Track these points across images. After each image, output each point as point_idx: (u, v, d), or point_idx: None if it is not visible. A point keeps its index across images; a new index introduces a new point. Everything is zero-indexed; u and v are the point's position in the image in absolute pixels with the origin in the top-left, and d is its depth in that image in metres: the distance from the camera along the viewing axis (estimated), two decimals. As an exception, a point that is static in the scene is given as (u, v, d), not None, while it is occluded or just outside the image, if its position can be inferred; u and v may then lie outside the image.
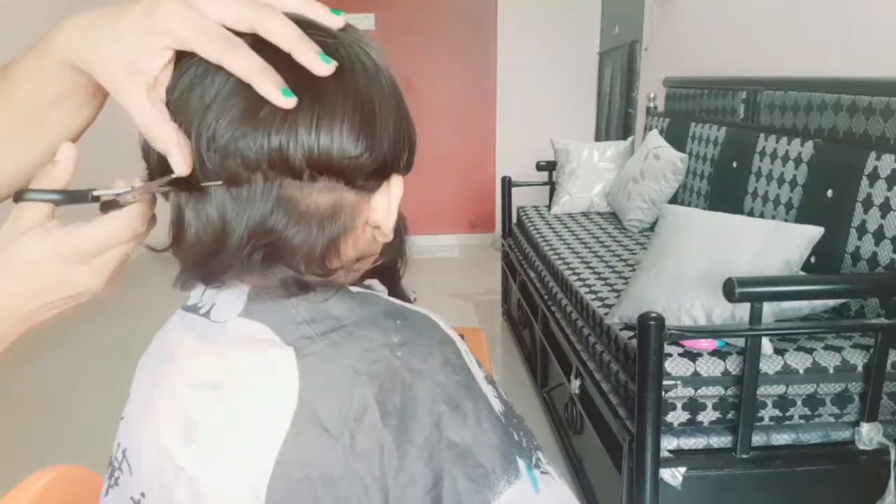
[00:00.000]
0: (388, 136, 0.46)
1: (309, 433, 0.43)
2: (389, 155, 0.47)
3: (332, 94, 0.43)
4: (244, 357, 0.46)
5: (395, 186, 0.50)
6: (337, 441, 0.42)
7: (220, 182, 0.43)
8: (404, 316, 0.49)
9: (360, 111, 0.44)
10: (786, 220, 1.90)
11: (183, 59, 0.43)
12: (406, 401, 0.43)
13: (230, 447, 0.44)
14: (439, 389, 0.45)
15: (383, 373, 0.44)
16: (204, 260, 0.46)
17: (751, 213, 2.13)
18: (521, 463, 0.45)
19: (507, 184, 3.23)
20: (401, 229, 0.97)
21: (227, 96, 0.42)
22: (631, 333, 1.58)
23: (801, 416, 1.46)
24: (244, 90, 0.41)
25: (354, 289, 0.51)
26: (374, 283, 0.56)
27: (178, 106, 0.42)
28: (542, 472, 0.46)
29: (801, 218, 1.85)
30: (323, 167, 0.44)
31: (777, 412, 1.46)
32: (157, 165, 0.44)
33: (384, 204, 0.49)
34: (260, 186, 0.44)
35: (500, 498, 0.43)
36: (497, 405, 0.48)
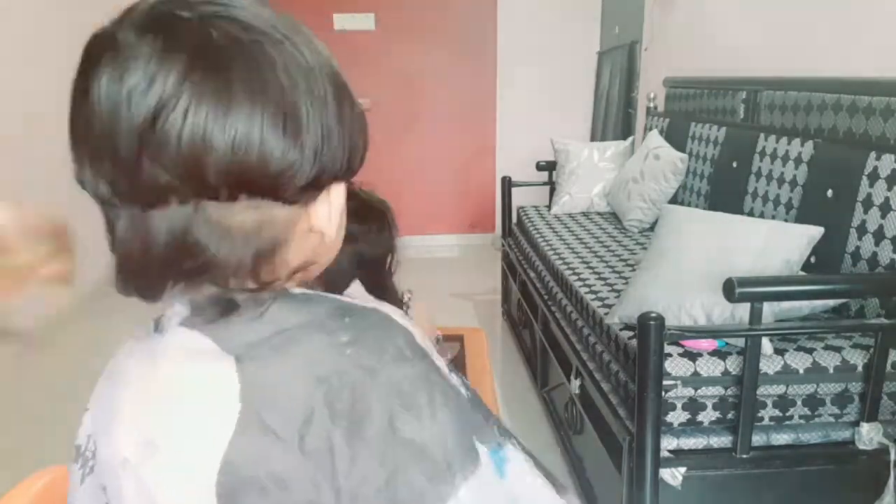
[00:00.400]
0: (319, 144, 0.43)
1: (255, 434, 0.42)
2: (325, 164, 0.44)
3: (244, 101, 0.40)
4: (183, 369, 0.45)
5: (335, 195, 0.47)
6: (286, 442, 0.41)
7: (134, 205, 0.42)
8: (352, 312, 0.47)
9: (281, 118, 0.41)
10: (786, 220, 1.90)
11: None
12: (356, 399, 0.42)
13: (180, 453, 0.43)
14: (392, 386, 0.43)
15: (331, 373, 0.43)
16: (133, 273, 0.44)
17: (751, 213, 2.13)
18: (482, 448, 0.44)
19: (507, 184, 3.23)
20: (389, 224, 0.97)
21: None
22: (631, 333, 1.58)
23: (801, 416, 1.46)
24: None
25: (297, 290, 0.49)
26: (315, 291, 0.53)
27: (83, 129, 0.42)
28: (509, 455, 0.45)
29: (801, 218, 1.85)
30: (242, 185, 0.41)
31: (777, 412, 1.46)
32: (88, 187, 0.44)
33: (325, 212, 0.47)
34: (175, 208, 0.41)
35: (458, 493, 0.42)
36: (463, 392, 0.47)
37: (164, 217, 0.42)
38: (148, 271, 0.44)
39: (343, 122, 0.45)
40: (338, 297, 0.50)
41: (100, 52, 0.41)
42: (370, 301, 0.51)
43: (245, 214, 0.43)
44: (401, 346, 0.45)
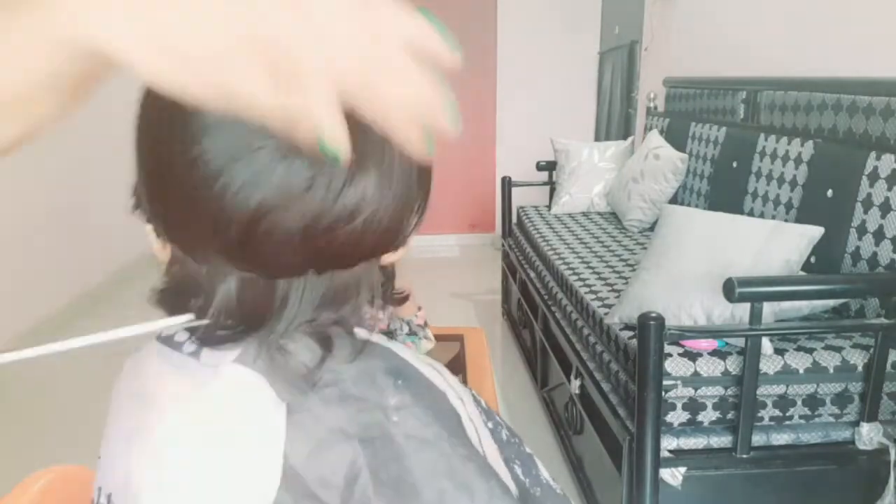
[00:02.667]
0: (418, 203, 0.44)
1: (298, 497, 0.39)
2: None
3: (393, 182, 0.39)
4: (235, 411, 0.41)
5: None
6: (336, 499, 0.39)
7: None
8: (407, 376, 0.44)
9: (403, 184, 0.41)
10: (786, 220, 1.90)
11: None
12: (403, 471, 0.39)
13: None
14: (442, 461, 0.40)
15: (377, 437, 0.40)
16: (235, 328, 0.41)
17: (751, 213, 2.13)
18: None
19: (507, 184, 3.23)
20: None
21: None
22: (631, 333, 1.58)
23: (801, 416, 1.46)
24: None
25: (360, 334, 0.46)
26: (375, 334, 0.50)
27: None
28: None
29: (801, 218, 1.85)
30: (377, 253, 0.42)
31: (777, 412, 1.46)
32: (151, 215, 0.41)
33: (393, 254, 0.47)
34: (312, 279, 0.41)
35: None
36: (512, 487, 0.44)
37: (297, 284, 0.41)
38: (250, 325, 0.41)
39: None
40: (394, 350, 0.47)
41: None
42: (424, 365, 0.48)
43: (354, 272, 0.42)
44: (452, 426, 0.43)
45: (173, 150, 0.36)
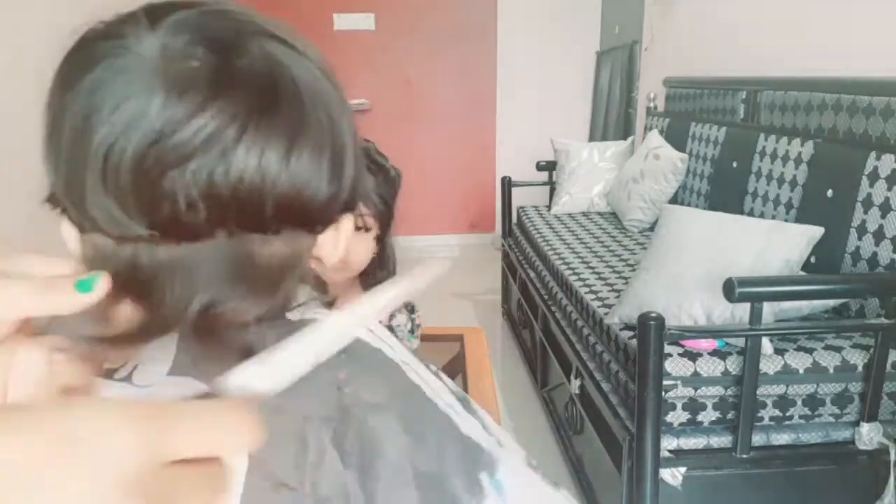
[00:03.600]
0: (353, 176, 0.42)
1: (266, 490, 0.39)
2: (354, 195, 0.43)
3: (310, 138, 0.38)
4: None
5: (344, 225, 0.45)
6: (298, 493, 0.39)
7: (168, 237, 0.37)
8: (350, 349, 0.44)
9: (332, 155, 0.39)
10: (786, 220, 1.90)
11: None
12: (364, 438, 0.40)
13: None
14: (398, 419, 0.41)
15: (335, 414, 0.40)
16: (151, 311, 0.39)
17: (751, 213, 2.13)
18: (484, 476, 0.43)
19: (507, 184, 3.23)
20: (394, 179, 0.95)
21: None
22: (631, 333, 1.58)
23: (801, 416, 1.46)
24: None
25: (294, 316, 0.45)
26: (308, 310, 0.48)
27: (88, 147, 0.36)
28: (505, 479, 0.44)
29: (801, 218, 1.85)
30: (293, 218, 0.39)
31: (777, 412, 1.46)
32: (94, 208, 0.38)
33: (331, 241, 0.44)
34: (222, 242, 0.38)
35: None
36: (453, 402, 0.45)
37: (203, 249, 0.38)
38: (154, 317, 0.39)
39: (357, 151, 0.44)
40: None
41: (119, 56, 0.36)
42: (375, 339, 0.48)
43: (280, 247, 0.40)
44: (393, 379, 0.44)
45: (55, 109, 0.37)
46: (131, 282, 0.38)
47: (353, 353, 0.44)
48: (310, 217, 0.41)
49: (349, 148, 0.42)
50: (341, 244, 0.46)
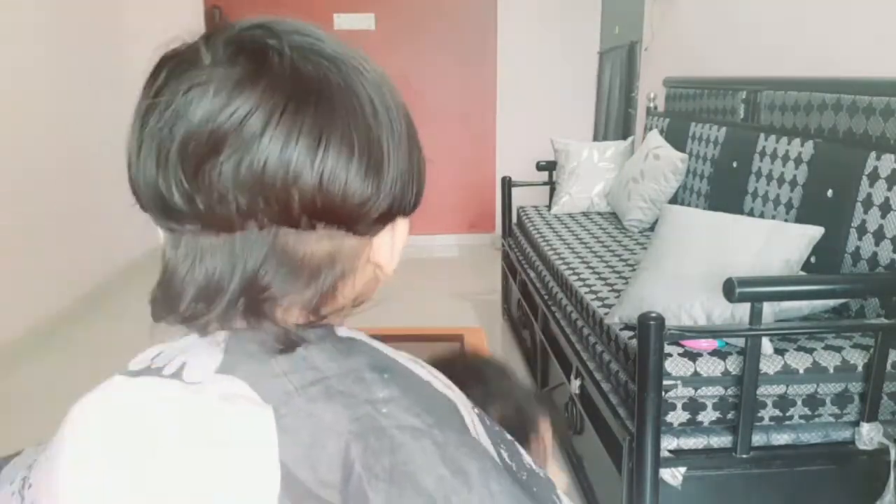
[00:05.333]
0: (396, 179, 0.44)
1: (299, 499, 0.39)
2: (397, 200, 0.45)
3: (338, 134, 0.41)
4: (222, 419, 0.40)
5: (400, 229, 0.47)
6: (336, 496, 0.39)
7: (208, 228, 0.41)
8: (391, 369, 0.44)
9: (367, 155, 0.42)
10: (786, 220, 1.90)
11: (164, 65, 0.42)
12: (396, 462, 0.39)
13: None
14: (436, 448, 0.40)
15: (368, 431, 0.40)
16: (185, 307, 0.42)
17: (751, 213, 2.13)
18: None
19: (507, 184, 3.23)
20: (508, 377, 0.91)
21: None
22: (631, 333, 1.58)
23: (801, 416, 1.46)
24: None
25: (342, 333, 0.46)
26: (359, 333, 0.49)
27: (162, 135, 0.40)
28: None
29: (801, 218, 1.85)
30: (323, 215, 0.42)
31: (777, 412, 1.46)
32: (150, 201, 0.42)
33: (387, 245, 0.47)
34: (254, 235, 0.41)
35: None
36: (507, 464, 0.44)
37: (241, 244, 0.41)
38: (204, 305, 0.42)
39: (412, 160, 0.46)
40: (376, 346, 0.47)
41: (183, 69, 0.41)
42: (407, 360, 0.47)
43: (319, 244, 0.43)
44: (442, 413, 0.43)
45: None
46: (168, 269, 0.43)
47: (396, 375, 0.44)
48: (343, 215, 0.42)
49: (389, 152, 0.43)
50: (396, 250, 0.47)
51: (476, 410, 0.47)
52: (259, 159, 0.39)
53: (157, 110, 0.40)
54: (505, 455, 0.44)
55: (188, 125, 0.39)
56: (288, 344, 0.42)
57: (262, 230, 0.41)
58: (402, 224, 0.47)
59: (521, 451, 0.47)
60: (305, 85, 0.41)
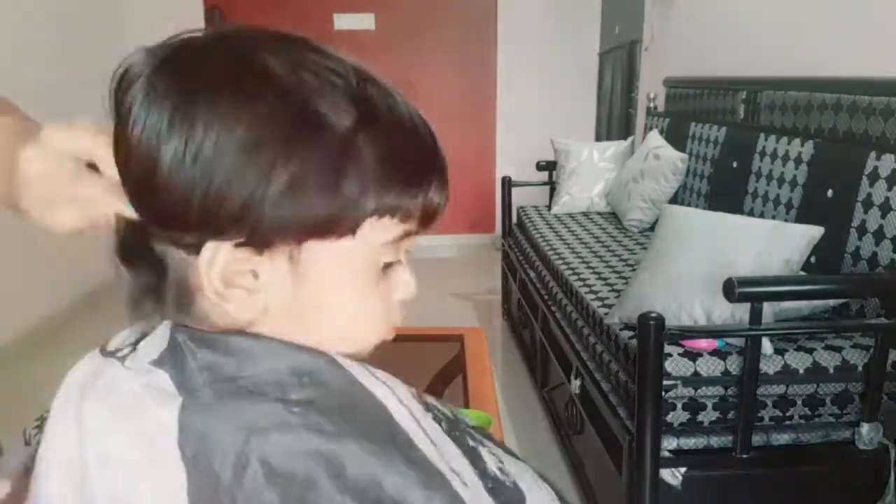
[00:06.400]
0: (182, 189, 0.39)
1: (205, 488, 0.38)
2: (196, 210, 0.40)
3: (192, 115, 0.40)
4: (137, 409, 0.41)
5: (205, 253, 0.41)
6: (226, 494, 0.38)
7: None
8: (316, 373, 0.42)
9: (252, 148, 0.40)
10: (786, 220, 1.90)
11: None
12: (297, 464, 0.38)
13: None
14: (342, 458, 0.38)
15: (273, 427, 0.38)
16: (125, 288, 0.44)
17: (751, 213, 2.13)
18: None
19: (507, 184, 3.23)
20: None
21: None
22: (631, 333, 1.58)
23: (801, 416, 1.46)
24: None
25: (270, 335, 0.43)
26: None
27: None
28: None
29: (801, 218, 1.85)
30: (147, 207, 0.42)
31: (777, 412, 1.46)
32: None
33: (204, 268, 0.42)
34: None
35: None
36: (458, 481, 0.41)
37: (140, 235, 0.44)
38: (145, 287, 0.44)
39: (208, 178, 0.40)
40: (321, 352, 0.44)
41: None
42: (352, 364, 0.44)
43: (155, 243, 0.43)
44: (366, 421, 0.41)
45: None
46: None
47: (315, 376, 0.42)
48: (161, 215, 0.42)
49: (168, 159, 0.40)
50: (215, 276, 0.42)
51: (430, 413, 0.45)
52: (136, 128, 0.41)
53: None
54: (466, 462, 0.43)
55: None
56: (209, 341, 0.43)
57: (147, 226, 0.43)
58: (209, 247, 0.41)
59: (484, 456, 0.44)
60: (186, 62, 0.41)
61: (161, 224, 0.41)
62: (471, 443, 0.45)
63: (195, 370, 0.42)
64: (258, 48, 0.41)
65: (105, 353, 0.46)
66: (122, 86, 0.42)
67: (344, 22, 4.38)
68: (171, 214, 0.40)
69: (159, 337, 0.44)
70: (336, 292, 0.44)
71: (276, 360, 0.42)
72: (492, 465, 0.44)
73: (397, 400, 0.43)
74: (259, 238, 0.40)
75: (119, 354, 0.45)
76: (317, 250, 0.42)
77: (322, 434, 0.39)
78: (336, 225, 0.41)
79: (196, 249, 0.41)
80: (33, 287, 3.01)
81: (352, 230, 0.42)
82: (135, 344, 0.45)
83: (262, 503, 0.37)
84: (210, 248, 0.40)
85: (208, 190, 0.39)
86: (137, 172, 0.41)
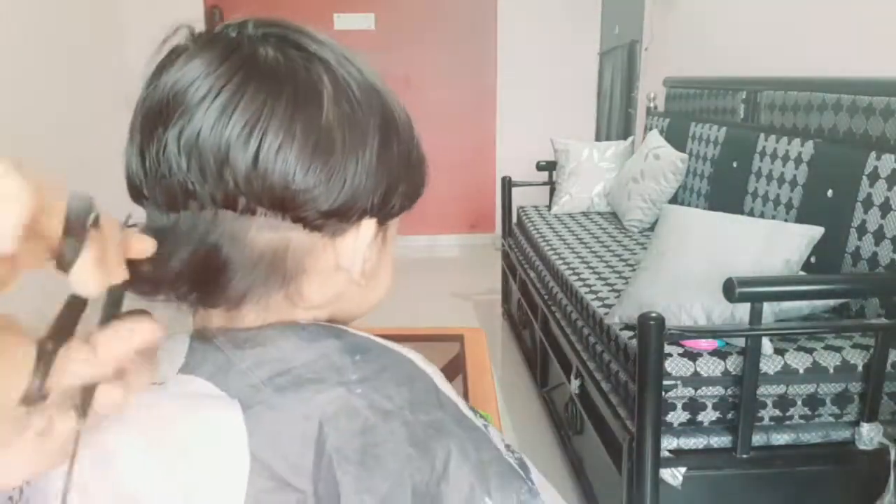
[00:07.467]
0: (353, 175, 0.42)
1: (270, 491, 0.38)
2: (352, 195, 0.42)
3: (279, 119, 0.39)
4: (186, 421, 0.40)
5: (363, 231, 0.44)
6: (304, 494, 0.38)
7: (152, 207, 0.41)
8: (367, 350, 0.44)
9: (312, 145, 0.40)
10: (786, 220, 1.90)
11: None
12: (367, 444, 0.39)
13: None
14: (405, 429, 0.40)
15: (339, 413, 0.40)
16: (146, 280, 0.40)
17: (751, 213, 2.13)
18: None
19: (508, 184, 3.23)
20: None
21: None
22: (631, 333, 1.58)
23: (801, 416, 1.46)
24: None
25: (307, 322, 0.45)
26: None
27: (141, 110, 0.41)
28: None
29: (801, 218, 1.85)
30: (260, 198, 0.40)
31: (777, 412, 1.46)
32: (127, 179, 0.42)
33: (349, 248, 0.44)
34: (196, 216, 0.40)
35: None
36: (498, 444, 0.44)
37: (184, 220, 0.40)
38: (162, 280, 0.41)
39: (382, 158, 0.44)
40: (352, 331, 0.46)
41: (171, 57, 0.42)
42: (391, 343, 0.47)
43: (260, 233, 0.41)
44: (418, 392, 0.43)
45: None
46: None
47: (366, 353, 0.44)
48: (281, 201, 0.40)
49: (344, 148, 0.41)
50: (358, 254, 0.45)
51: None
52: (195, 128, 0.39)
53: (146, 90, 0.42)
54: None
55: (154, 94, 0.40)
56: (246, 339, 0.42)
57: (202, 210, 0.40)
58: (366, 226, 0.44)
59: (496, 433, 0.47)
60: (259, 66, 0.40)
61: (292, 210, 0.41)
62: (479, 422, 0.47)
63: (241, 371, 0.41)
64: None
65: None
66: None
67: (344, 22, 4.38)
68: (334, 201, 0.42)
69: (179, 343, 0.44)
70: (388, 258, 0.49)
71: (319, 344, 0.43)
72: (499, 442, 0.46)
73: (431, 367, 0.46)
74: (385, 215, 0.46)
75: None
76: (392, 223, 0.48)
77: (385, 414, 0.41)
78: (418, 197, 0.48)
79: (330, 230, 0.43)
80: (34, 287, 3.00)
81: None
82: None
83: (336, 486, 0.38)
84: (367, 225, 0.44)
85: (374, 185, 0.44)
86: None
